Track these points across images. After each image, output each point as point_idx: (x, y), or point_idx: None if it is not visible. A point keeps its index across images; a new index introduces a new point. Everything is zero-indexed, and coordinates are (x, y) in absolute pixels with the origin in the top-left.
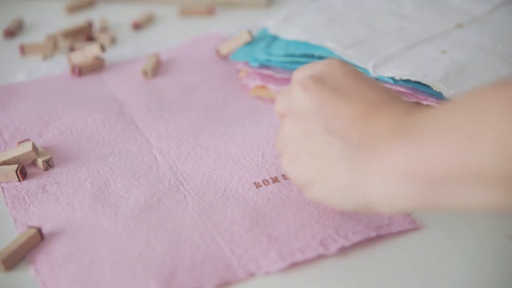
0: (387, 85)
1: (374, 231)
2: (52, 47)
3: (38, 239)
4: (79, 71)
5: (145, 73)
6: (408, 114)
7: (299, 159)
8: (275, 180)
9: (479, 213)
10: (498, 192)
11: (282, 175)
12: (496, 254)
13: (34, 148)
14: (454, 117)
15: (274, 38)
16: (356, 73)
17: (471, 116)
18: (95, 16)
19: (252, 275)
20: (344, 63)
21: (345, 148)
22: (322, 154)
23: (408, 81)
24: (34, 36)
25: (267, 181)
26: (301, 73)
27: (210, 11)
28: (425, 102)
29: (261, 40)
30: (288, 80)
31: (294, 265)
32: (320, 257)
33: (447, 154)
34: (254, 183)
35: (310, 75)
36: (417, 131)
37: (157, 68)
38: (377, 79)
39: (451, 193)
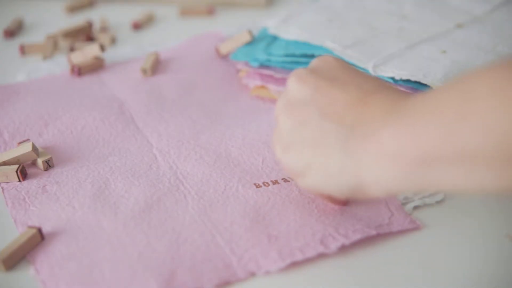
0: None
1: (374, 230)
2: (52, 47)
3: (38, 239)
4: (79, 71)
5: (144, 71)
6: (401, 100)
7: (293, 148)
8: (275, 182)
9: (472, 195)
10: (488, 173)
11: (282, 179)
12: (496, 254)
13: (34, 148)
14: (443, 98)
15: (274, 38)
16: (350, 66)
17: (459, 97)
18: (95, 16)
19: (252, 275)
20: (337, 58)
21: (338, 132)
22: (316, 141)
23: (408, 81)
24: (34, 36)
25: (267, 183)
26: (296, 71)
27: (210, 11)
28: None
29: (261, 40)
30: None
31: (294, 265)
32: (320, 256)
33: (436, 135)
34: (254, 184)
35: (305, 68)
36: (408, 113)
37: (157, 66)
38: None
39: (441, 175)
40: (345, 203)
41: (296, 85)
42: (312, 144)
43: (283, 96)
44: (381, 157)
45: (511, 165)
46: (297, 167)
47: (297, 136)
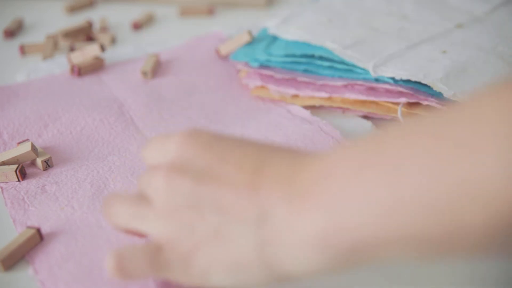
0: (387, 86)
1: None
2: (52, 47)
3: (37, 239)
4: (79, 71)
5: (144, 73)
6: (295, 173)
7: (200, 252)
8: None
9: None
10: (418, 250)
11: None
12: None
13: (33, 148)
14: (358, 169)
15: (274, 38)
16: (216, 142)
17: (383, 170)
18: (95, 16)
19: None
20: (195, 137)
21: (245, 228)
22: (218, 240)
23: (408, 81)
24: (34, 36)
25: None
26: (154, 152)
27: (210, 11)
28: (425, 102)
29: (261, 40)
30: (288, 81)
31: None
32: None
33: (364, 220)
34: None
35: (169, 165)
36: (315, 192)
37: (157, 68)
38: (377, 79)
39: (377, 255)
40: None
41: (167, 192)
42: (214, 244)
43: (142, 205)
44: (299, 247)
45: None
46: (211, 271)
47: (191, 241)
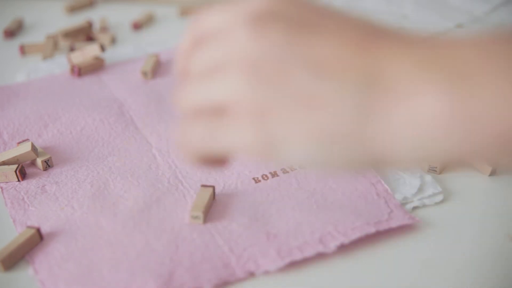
0: None
1: (373, 227)
2: (52, 47)
3: (37, 239)
4: (79, 71)
5: (144, 74)
6: (419, 39)
7: (277, 115)
8: (274, 174)
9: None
10: None
11: (281, 169)
12: (496, 254)
13: (33, 148)
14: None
15: None
16: (314, 1)
17: None
18: (95, 16)
19: (251, 274)
20: None
21: (345, 91)
22: (312, 102)
23: None
24: (34, 36)
25: (266, 176)
26: (221, 14)
27: None
28: None
29: None
30: None
31: (293, 263)
32: (319, 254)
33: (492, 111)
34: (253, 179)
35: (251, 13)
36: (448, 63)
37: (157, 68)
38: None
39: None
40: (225, 162)
41: (251, 42)
42: (300, 108)
43: (210, 51)
44: (417, 124)
45: None
46: (272, 142)
47: (269, 101)
